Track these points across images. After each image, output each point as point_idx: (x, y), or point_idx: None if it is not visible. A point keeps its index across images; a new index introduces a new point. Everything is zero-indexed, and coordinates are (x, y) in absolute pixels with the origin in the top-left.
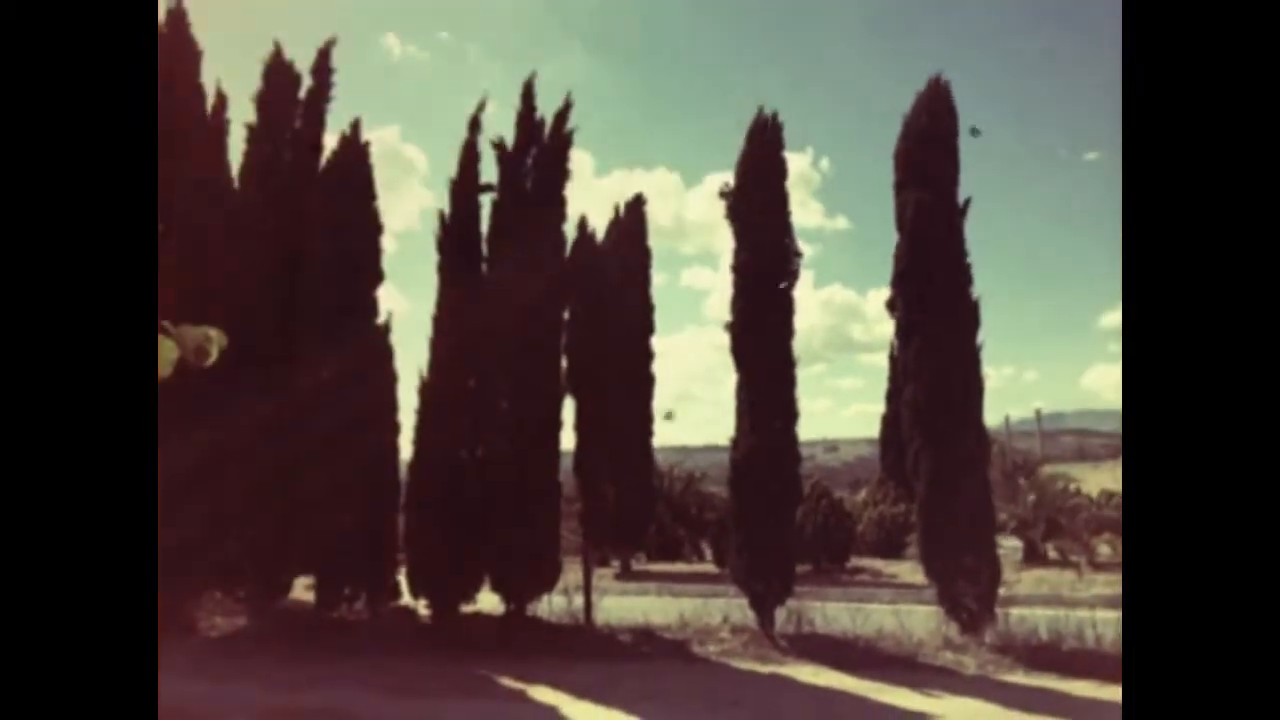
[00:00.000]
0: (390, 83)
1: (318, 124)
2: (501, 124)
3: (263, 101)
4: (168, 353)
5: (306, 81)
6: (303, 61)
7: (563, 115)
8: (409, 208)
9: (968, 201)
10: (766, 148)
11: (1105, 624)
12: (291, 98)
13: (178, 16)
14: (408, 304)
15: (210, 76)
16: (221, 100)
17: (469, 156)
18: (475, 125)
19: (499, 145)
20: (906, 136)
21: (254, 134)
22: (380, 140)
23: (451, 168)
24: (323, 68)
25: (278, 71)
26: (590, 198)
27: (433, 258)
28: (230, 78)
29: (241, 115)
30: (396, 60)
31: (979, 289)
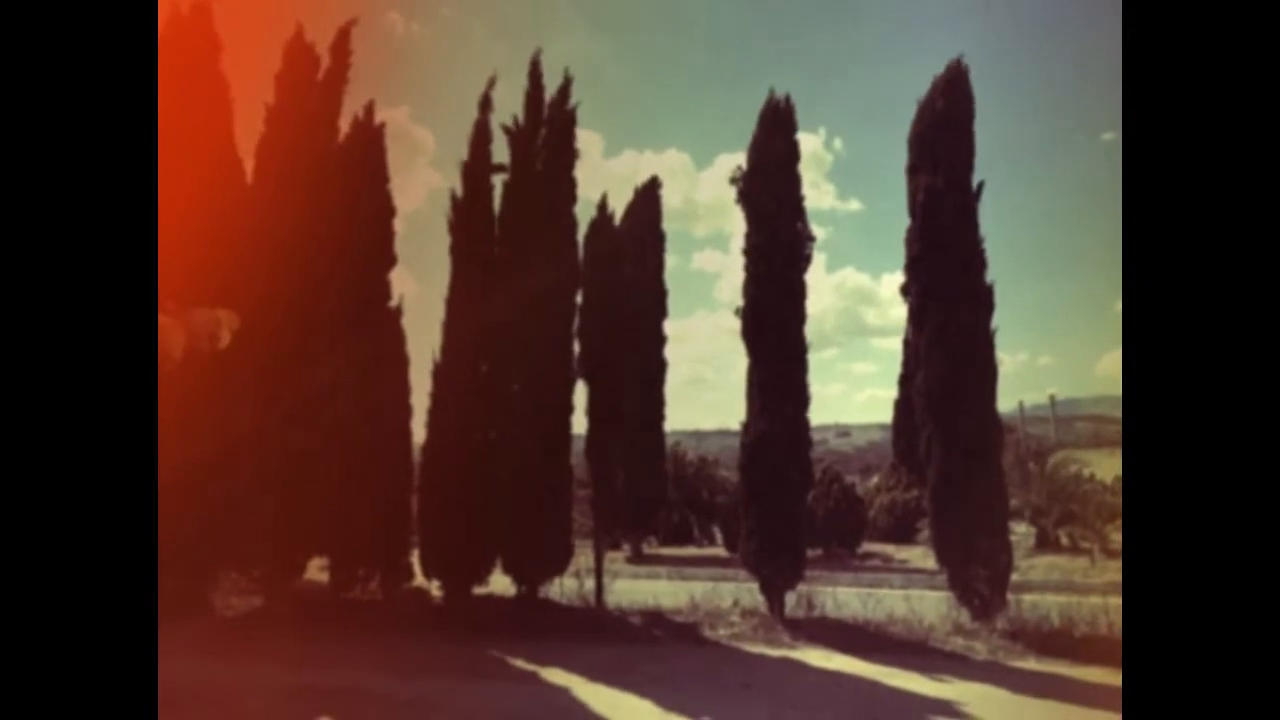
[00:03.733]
0: (396, 62)
1: (335, 105)
2: (510, 102)
3: (282, 82)
4: (176, 337)
5: (325, 62)
6: (319, 41)
7: (564, 92)
8: (416, 188)
9: (980, 185)
10: (779, 131)
11: (1117, 611)
12: (310, 79)
13: (202, 10)
14: (416, 285)
15: (226, 61)
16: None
17: (480, 137)
18: (486, 104)
19: (509, 129)
20: (921, 120)
21: (272, 114)
22: (388, 120)
23: (459, 148)
24: (341, 48)
25: (298, 52)
26: (600, 178)
27: (440, 239)
28: (241, 56)
29: (250, 97)
30: (400, 39)
31: (993, 273)
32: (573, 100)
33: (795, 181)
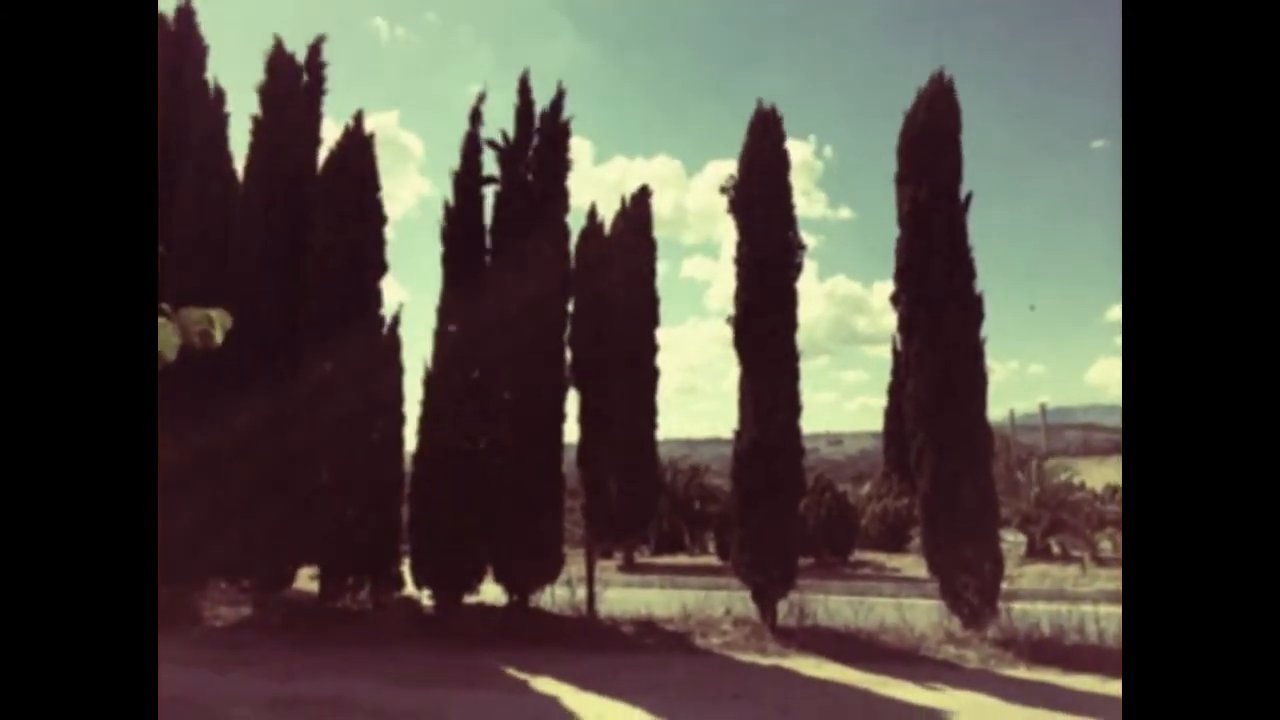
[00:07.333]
0: (381, 67)
1: (316, 116)
2: (498, 109)
3: (265, 93)
4: (170, 337)
5: (305, 76)
6: (301, 50)
7: (558, 104)
8: (405, 195)
9: (969, 196)
10: (768, 140)
11: (1108, 619)
12: (293, 89)
13: (186, 14)
14: (406, 293)
15: (213, 68)
16: (220, 93)
17: (471, 148)
18: (476, 117)
19: (494, 144)
20: (907, 131)
21: (258, 125)
22: (377, 127)
23: (448, 155)
24: (315, 62)
25: (279, 63)
26: (590, 185)
27: (429, 247)
28: (229, 68)
29: (241, 108)
30: (385, 44)
31: (983, 282)
32: (566, 113)
33: (786, 190)
